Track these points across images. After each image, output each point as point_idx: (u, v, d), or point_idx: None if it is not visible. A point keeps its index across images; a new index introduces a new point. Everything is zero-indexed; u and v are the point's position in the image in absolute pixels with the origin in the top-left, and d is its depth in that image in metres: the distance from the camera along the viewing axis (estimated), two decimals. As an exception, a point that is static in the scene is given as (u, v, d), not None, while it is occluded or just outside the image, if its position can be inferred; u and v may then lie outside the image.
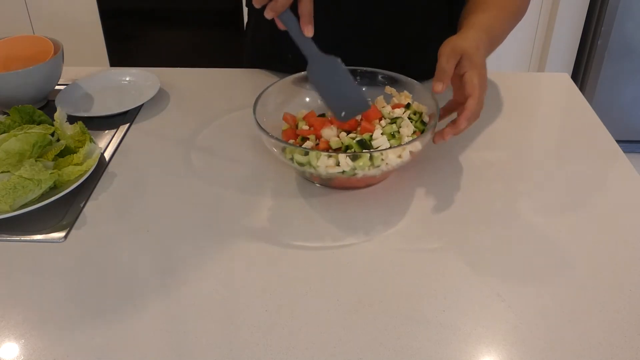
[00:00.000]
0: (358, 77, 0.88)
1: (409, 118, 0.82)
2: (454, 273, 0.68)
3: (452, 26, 0.95)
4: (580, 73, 2.33)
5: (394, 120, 0.80)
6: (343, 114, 0.77)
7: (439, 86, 0.76)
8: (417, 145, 0.76)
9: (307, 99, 0.90)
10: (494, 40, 0.85)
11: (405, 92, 0.86)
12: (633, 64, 2.19)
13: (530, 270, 0.69)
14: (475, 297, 0.65)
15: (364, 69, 0.89)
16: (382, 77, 0.89)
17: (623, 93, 2.26)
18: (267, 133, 0.76)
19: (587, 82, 2.28)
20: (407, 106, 0.84)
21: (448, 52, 0.77)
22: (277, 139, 0.77)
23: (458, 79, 0.78)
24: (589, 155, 0.89)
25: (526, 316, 0.63)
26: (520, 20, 0.94)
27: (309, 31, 0.74)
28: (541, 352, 0.59)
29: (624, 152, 0.89)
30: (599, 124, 0.96)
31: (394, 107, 0.84)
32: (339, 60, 0.76)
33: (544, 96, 1.07)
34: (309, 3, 0.73)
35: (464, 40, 0.78)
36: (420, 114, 0.83)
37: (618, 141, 0.91)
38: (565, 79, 1.11)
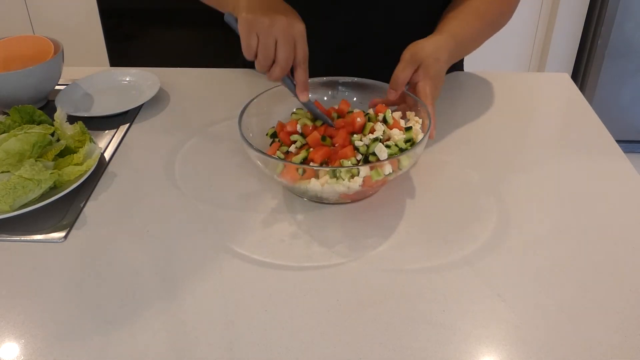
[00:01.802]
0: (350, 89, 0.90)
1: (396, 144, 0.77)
2: (453, 273, 0.68)
3: None
4: (580, 73, 2.33)
5: (375, 140, 0.76)
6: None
7: (392, 94, 0.82)
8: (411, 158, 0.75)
9: (294, 109, 0.89)
10: (463, 47, 0.89)
11: (417, 117, 0.82)
12: (633, 64, 2.19)
13: (530, 270, 0.69)
14: (475, 297, 0.65)
15: (364, 80, 0.89)
16: (379, 87, 0.87)
17: (623, 93, 2.26)
18: (254, 147, 0.74)
19: (587, 82, 2.28)
20: (408, 129, 0.79)
21: (407, 59, 0.82)
22: (263, 154, 0.74)
23: (412, 86, 0.84)
24: (589, 155, 0.89)
25: (526, 316, 0.63)
26: (500, 28, 0.96)
27: (304, 97, 0.80)
28: (541, 352, 0.59)
29: (624, 152, 0.89)
30: (599, 124, 0.96)
31: (392, 127, 0.80)
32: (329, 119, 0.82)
33: (544, 96, 1.07)
34: (304, 72, 0.78)
35: (425, 49, 0.82)
36: (413, 142, 0.77)
37: (618, 141, 0.91)
38: (565, 79, 1.11)
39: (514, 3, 0.95)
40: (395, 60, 0.84)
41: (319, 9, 0.97)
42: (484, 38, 0.94)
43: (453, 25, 0.88)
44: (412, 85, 0.84)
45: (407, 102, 0.84)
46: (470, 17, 0.90)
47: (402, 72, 0.82)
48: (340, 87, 0.91)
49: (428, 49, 0.82)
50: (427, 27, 0.93)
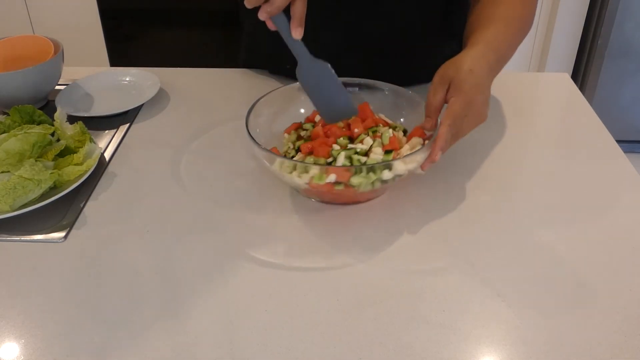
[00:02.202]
0: (357, 88, 0.88)
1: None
2: (454, 273, 0.68)
3: (450, 34, 0.94)
4: (580, 73, 2.33)
5: (348, 149, 0.75)
6: (331, 117, 0.79)
7: (428, 123, 0.75)
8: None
9: (302, 110, 0.89)
10: (502, 55, 0.82)
11: (406, 145, 0.78)
12: (633, 64, 2.19)
13: (530, 270, 0.69)
14: (475, 297, 0.65)
15: (367, 80, 0.88)
16: (387, 90, 0.87)
17: (623, 93, 2.26)
18: (263, 147, 0.74)
19: (587, 82, 2.28)
20: (387, 152, 0.75)
21: (437, 82, 0.75)
22: (270, 151, 0.74)
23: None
24: (589, 156, 0.89)
25: (526, 316, 0.63)
26: (527, 32, 0.91)
27: (297, 34, 0.72)
28: (541, 352, 0.59)
29: (624, 152, 0.89)
30: (599, 124, 0.96)
31: (386, 148, 0.77)
32: (329, 65, 0.76)
33: (544, 96, 1.07)
34: (302, 6, 0.71)
35: (455, 64, 0.75)
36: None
37: (618, 141, 0.91)
38: (565, 79, 1.11)
39: (535, 4, 0.92)
40: (396, 64, 0.83)
41: (319, 13, 0.97)
42: (517, 44, 0.87)
43: (486, 35, 0.81)
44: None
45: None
46: (501, 24, 0.84)
47: (433, 97, 0.75)
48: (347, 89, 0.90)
49: (459, 64, 0.75)
50: (427, 32, 0.93)
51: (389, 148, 0.75)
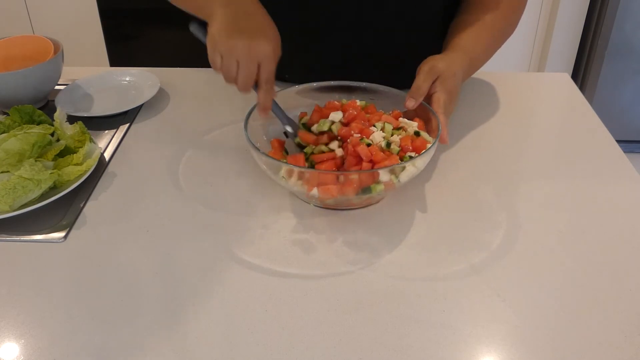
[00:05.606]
0: (355, 94, 0.90)
1: None
2: (454, 273, 0.68)
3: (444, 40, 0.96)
4: (580, 73, 2.33)
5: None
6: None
7: (411, 102, 0.83)
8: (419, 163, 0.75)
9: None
10: (476, 63, 0.91)
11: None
12: (633, 64, 2.19)
13: (530, 270, 0.69)
14: (475, 297, 0.65)
15: (365, 84, 0.89)
16: (385, 93, 0.88)
17: (623, 93, 2.26)
18: (261, 151, 0.74)
19: (587, 82, 2.28)
20: (387, 145, 0.77)
21: (426, 71, 0.83)
22: (271, 158, 0.75)
23: (427, 97, 0.84)
24: (589, 155, 0.89)
25: (526, 316, 0.63)
26: (508, 37, 0.97)
27: (261, 115, 0.81)
28: (541, 352, 0.59)
29: (624, 152, 0.89)
30: (599, 124, 0.96)
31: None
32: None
33: (544, 96, 1.07)
34: (264, 94, 0.78)
35: (443, 63, 0.84)
36: None
37: (618, 141, 0.91)
38: (565, 79, 1.11)
39: (520, 12, 0.96)
40: (394, 72, 0.84)
41: (319, 25, 0.97)
42: (494, 50, 0.95)
43: (465, 42, 0.89)
44: (427, 96, 0.84)
45: (417, 112, 0.84)
46: (481, 32, 0.91)
47: (423, 83, 0.82)
48: (351, 93, 0.90)
49: (445, 64, 0.83)
50: (423, 47, 0.94)
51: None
